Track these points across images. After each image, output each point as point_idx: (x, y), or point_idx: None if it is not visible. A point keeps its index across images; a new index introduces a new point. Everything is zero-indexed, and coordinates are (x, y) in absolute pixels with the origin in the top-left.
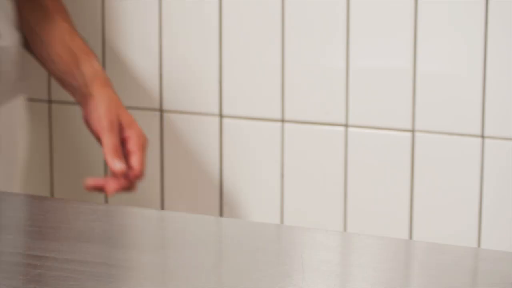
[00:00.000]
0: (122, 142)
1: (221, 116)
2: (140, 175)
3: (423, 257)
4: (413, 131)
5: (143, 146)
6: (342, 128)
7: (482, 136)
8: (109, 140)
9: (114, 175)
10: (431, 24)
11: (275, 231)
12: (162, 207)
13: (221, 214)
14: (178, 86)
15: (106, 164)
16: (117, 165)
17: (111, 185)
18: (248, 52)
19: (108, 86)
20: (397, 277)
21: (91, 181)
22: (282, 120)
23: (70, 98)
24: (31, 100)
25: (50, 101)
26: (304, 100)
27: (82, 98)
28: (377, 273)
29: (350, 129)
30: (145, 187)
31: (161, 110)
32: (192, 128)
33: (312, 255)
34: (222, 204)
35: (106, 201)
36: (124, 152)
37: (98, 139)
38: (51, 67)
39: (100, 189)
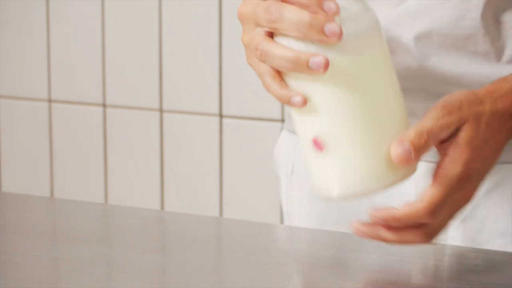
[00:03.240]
0: None
1: (221, 116)
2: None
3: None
4: None
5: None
6: None
7: None
8: None
9: None
10: None
11: (275, 231)
12: (162, 207)
13: (221, 214)
14: (178, 86)
15: (106, 164)
16: None
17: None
18: None
19: None
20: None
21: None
22: (282, 120)
23: (70, 98)
24: (31, 100)
25: (50, 101)
26: None
27: None
28: (375, 274)
29: None
30: (145, 187)
31: (161, 110)
32: (192, 128)
33: (313, 255)
34: (222, 204)
35: (106, 201)
36: None
37: None
38: None
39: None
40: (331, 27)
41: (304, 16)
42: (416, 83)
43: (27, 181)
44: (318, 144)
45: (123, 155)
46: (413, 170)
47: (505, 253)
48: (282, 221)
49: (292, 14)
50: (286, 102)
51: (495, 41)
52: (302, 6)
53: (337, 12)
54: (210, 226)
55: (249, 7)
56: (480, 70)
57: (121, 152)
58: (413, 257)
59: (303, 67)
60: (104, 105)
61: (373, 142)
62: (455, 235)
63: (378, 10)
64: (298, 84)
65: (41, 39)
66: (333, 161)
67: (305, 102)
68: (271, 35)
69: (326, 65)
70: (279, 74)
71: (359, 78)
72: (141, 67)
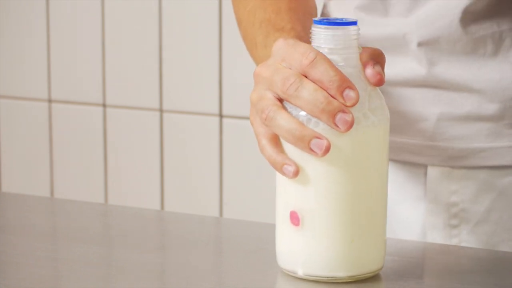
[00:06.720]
0: None
1: (221, 116)
2: None
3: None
4: None
5: None
6: None
7: None
8: None
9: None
10: None
11: (274, 231)
12: (162, 207)
13: (221, 214)
14: (178, 86)
15: (106, 164)
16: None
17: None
18: (247, 52)
19: None
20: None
21: None
22: None
23: (70, 98)
24: (31, 100)
25: (50, 101)
26: None
27: None
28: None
29: None
30: (145, 187)
31: (161, 110)
32: (192, 128)
33: None
34: (222, 204)
35: (106, 201)
36: None
37: None
38: None
39: None
40: (343, 117)
41: (319, 98)
42: (426, 90)
43: (27, 181)
44: (295, 218)
45: (123, 155)
46: (380, 265)
47: (506, 253)
48: None
49: (309, 94)
50: (278, 168)
51: (503, 41)
52: (322, 86)
53: (355, 103)
54: (210, 226)
55: (269, 71)
56: (490, 75)
57: (121, 152)
58: (413, 257)
59: (304, 145)
60: (104, 105)
61: (349, 232)
62: (469, 239)
63: (388, 20)
64: (294, 153)
65: (41, 39)
66: (304, 239)
67: (296, 173)
68: (281, 98)
69: (327, 149)
70: (275, 137)
71: (356, 168)
72: (141, 67)
